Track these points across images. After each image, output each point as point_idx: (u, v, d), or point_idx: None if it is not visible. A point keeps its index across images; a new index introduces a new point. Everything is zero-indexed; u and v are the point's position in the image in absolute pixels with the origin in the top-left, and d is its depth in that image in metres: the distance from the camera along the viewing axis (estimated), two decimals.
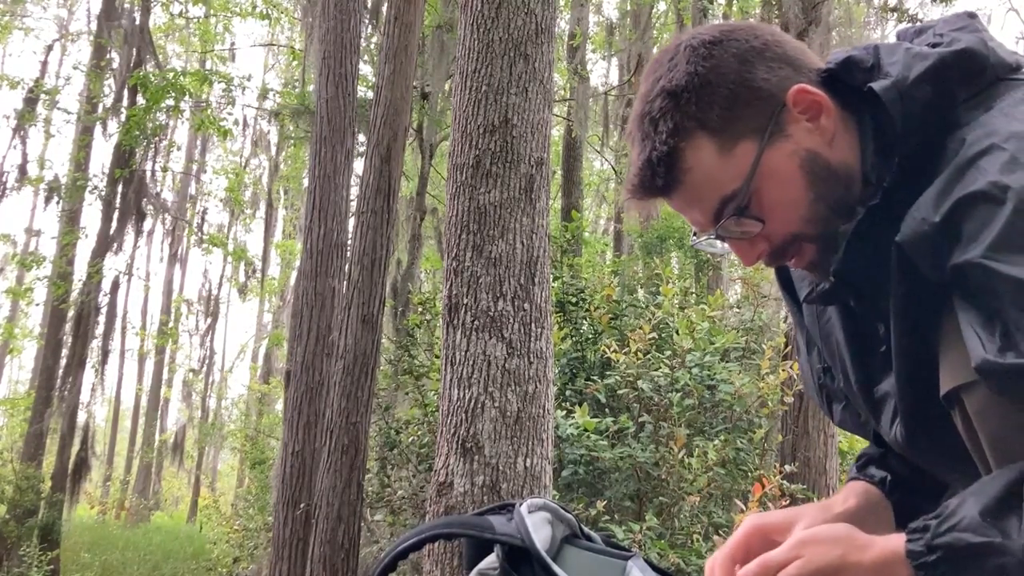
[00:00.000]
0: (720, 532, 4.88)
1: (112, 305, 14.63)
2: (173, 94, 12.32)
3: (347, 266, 7.29)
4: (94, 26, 15.14)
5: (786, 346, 6.72)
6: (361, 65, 9.25)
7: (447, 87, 10.88)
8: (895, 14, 10.38)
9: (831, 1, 9.03)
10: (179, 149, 20.60)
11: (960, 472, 1.02)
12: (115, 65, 14.11)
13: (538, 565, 0.87)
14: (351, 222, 7.76)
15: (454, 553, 3.23)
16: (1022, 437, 0.84)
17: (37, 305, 20.05)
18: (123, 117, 13.06)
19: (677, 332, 5.62)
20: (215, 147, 25.02)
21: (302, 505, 6.72)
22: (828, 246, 0.99)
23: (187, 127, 19.94)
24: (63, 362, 13.34)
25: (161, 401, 26.66)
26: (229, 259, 22.58)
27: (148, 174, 14.02)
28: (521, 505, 0.93)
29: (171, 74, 12.85)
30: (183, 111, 13.71)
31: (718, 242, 1.05)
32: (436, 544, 3.29)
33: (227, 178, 21.33)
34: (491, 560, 0.90)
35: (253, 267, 22.72)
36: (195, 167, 22.44)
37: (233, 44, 21.27)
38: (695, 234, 1.07)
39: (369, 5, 11.13)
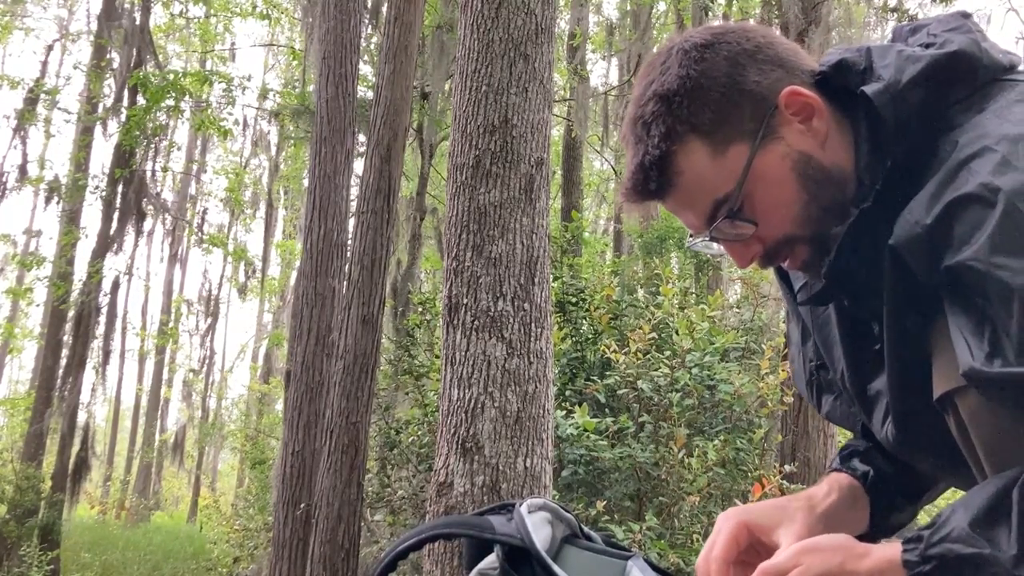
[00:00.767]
0: None
1: (112, 305, 14.63)
2: (173, 94, 12.32)
3: (347, 266, 7.29)
4: (94, 26, 15.14)
5: (786, 346, 6.71)
6: (361, 65, 9.25)
7: (447, 87, 10.88)
8: (895, 14, 10.38)
9: (831, 1, 9.03)
10: (179, 149, 20.59)
11: (950, 472, 1.03)
12: (115, 65, 14.10)
13: (538, 565, 0.87)
14: (351, 222, 7.76)
15: (454, 553, 3.24)
16: (1013, 442, 0.84)
17: (37, 305, 20.07)
18: (123, 117, 13.05)
19: (677, 332, 5.62)
20: (215, 147, 25.04)
21: (302, 505, 6.72)
22: (821, 247, 0.99)
23: (187, 127, 19.93)
24: (63, 362, 13.34)
25: (161, 401, 26.67)
26: (229, 259, 22.58)
27: (148, 174, 14.02)
28: (521, 505, 0.93)
29: (171, 74, 12.86)
30: (183, 111, 13.71)
31: (713, 244, 1.05)
32: (436, 544, 3.29)
33: (227, 178, 21.35)
34: (491, 560, 0.90)
35: (253, 267, 22.73)
36: (195, 167, 22.44)
37: (233, 44, 21.28)
38: (691, 235, 1.08)
39: (369, 5, 11.13)
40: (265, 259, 23.34)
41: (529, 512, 0.92)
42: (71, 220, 14.34)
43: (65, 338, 13.43)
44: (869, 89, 0.94)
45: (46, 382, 13.65)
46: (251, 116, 20.18)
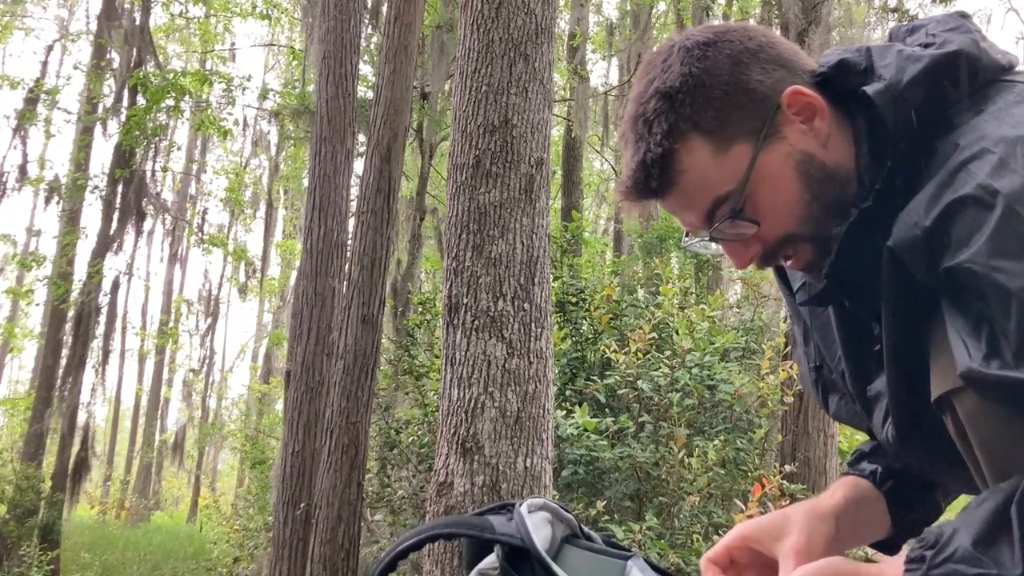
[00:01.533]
0: (720, 532, 4.88)
1: (112, 305, 14.63)
2: (173, 94, 12.32)
3: (347, 266, 7.29)
4: (94, 26, 15.15)
5: (786, 346, 6.72)
6: (361, 65, 9.25)
7: (447, 87, 10.88)
8: (895, 14, 10.38)
9: (831, 1, 9.02)
10: (179, 149, 20.61)
11: (950, 474, 1.03)
12: (115, 65, 14.10)
13: (538, 565, 0.87)
14: (351, 222, 7.76)
15: (454, 553, 3.23)
16: (1010, 443, 0.84)
17: (37, 305, 20.04)
18: (123, 117, 13.06)
19: (677, 332, 5.62)
20: (215, 147, 25.03)
21: (302, 505, 6.72)
22: (823, 247, 0.99)
23: (187, 127, 19.92)
24: (63, 362, 13.33)
25: (161, 401, 26.66)
26: (229, 259, 22.58)
27: (148, 174, 14.02)
28: (521, 505, 0.93)
29: (171, 74, 12.86)
30: (183, 111, 13.71)
31: (711, 244, 1.05)
32: (436, 544, 3.29)
33: (227, 178, 21.35)
34: (491, 560, 0.90)
35: (253, 267, 22.73)
36: (195, 167, 22.44)
37: (233, 44, 21.27)
38: (687, 235, 1.07)
39: (369, 5, 11.13)
40: (265, 259, 23.34)
41: (529, 512, 0.92)
42: (71, 220, 14.34)
43: (65, 338, 13.43)
44: (870, 89, 0.94)
45: (46, 382, 13.65)
46: (251, 116, 20.20)
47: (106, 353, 14.81)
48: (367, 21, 11.10)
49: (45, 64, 19.45)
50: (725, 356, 5.87)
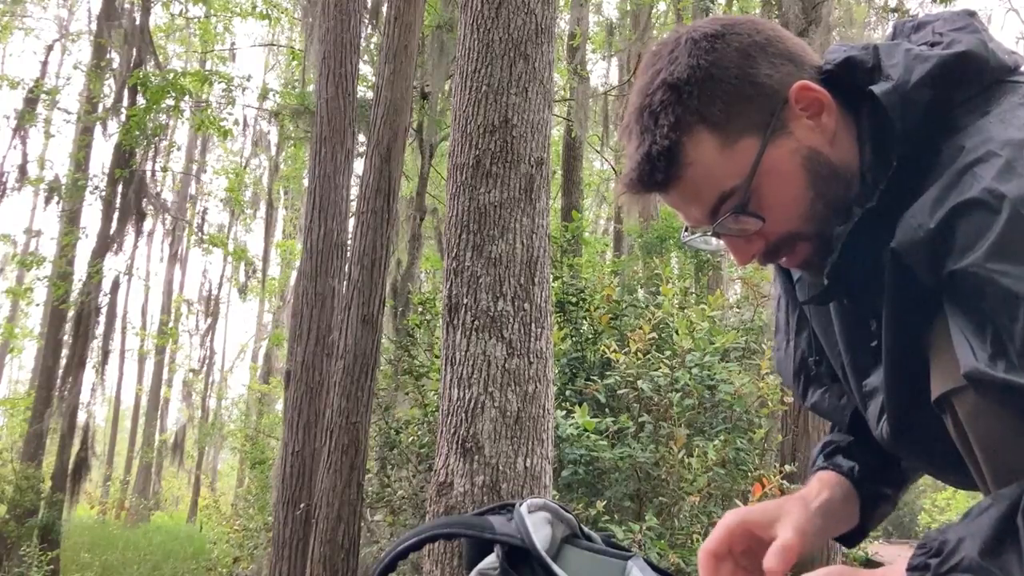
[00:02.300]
0: None
1: (112, 305, 14.63)
2: (173, 94, 12.33)
3: (347, 266, 7.29)
4: (94, 26, 15.13)
5: None
6: (361, 65, 9.25)
7: (447, 87, 10.88)
8: (895, 14, 10.38)
9: (831, 1, 9.03)
10: (179, 149, 20.62)
11: (944, 471, 1.04)
12: (115, 65, 14.11)
13: (538, 565, 0.87)
14: (351, 222, 7.76)
15: (454, 553, 3.23)
16: (1011, 444, 0.84)
17: (37, 305, 20.06)
18: (123, 117, 13.06)
19: (677, 332, 5.62)
20: (215, 147, 25.04)
21: (302, 505, 6.72)
22: (824, 245, 0.99)
23: (187, 127, 19.93)
24: (63, 362, 13.34)
25: (161, 401, 26.67)
26: (229, 259, 22.59)
27: (148, 174, 14.03)
28: (521, 505, 0.93)
29: (171, 74, 12.86)
30: (183, 111, 13.71)
31: (712, 239, 1.04)
32: (436, 544, 3.29)
33: (227, 178, 21.34)
34: (491, 560, 0.90)
35: (253, 267, 22.71)
36: (195, 167, 22.45)
37: (233, 44, 21.29)
38: (687, 230, 1.06)
39: (369, 5, 11.13)
40: (265, 259, 23.35)
41: (529, 512, 0.92)
42: (71, 220, 14.34)
43: (65, 338, 13.43)
44: (878, 89, 0.93)
45: (46, 382, 13.65)
46: (251, 116, 20.20)
47: (106, 353, 14.81)
48: (367, 21, 11.10)
49: (45, 64, 19.50)
50: (725, 356, 5.87)
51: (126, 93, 13.40)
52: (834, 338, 1.10)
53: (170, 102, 12.50)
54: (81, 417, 14.14)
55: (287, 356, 8.59)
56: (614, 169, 17.30)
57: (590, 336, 6.15)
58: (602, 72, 22.90)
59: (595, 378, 5.60)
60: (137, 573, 13.07)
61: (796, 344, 1.19)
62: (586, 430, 4.92)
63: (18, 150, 15.92)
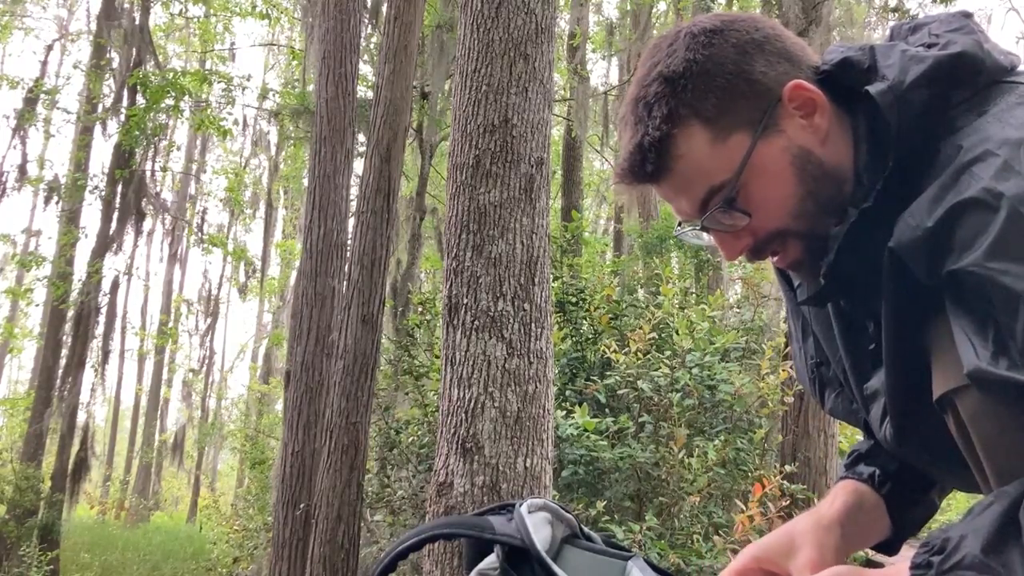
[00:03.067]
0: (720, 532, 4.88)
1: (112, 305, 14.63)
2: (173, 94, 12.33)
3: (347, 266, 7.28)
4: (94, 26, 15.14)
5: (786, 346, 6.70)
6: (361, 65, 9.25)
7: (447, 87, 10.88)
8: (895, 14, 10.38)
9: (831, 1, 9.03)
10: (179, 149, 20.62)
11: (948, 472, 1.03)
12: (115, 65, 14.11)
13: (538, 565, 0.87)
14: (351, 222, 7.76)
15: (454, 553, 3.23)
16: (1012, 444, 0.83)
17: (37, 305, 20.04)
18: (123, 117, 13.06)
19: (677, 332, 5.62)
20: (215, 147, 25.05)
21: (302, 505, 6.72)
22: (814, 245, 0.99)
23: (187, 127, 19.92)
24: (63, 362, 13.34)
25: (161, 401, 26.67)
26: (229, 259, 22.59)
27: (148, 174, 14.03)
28: (521, 505, 0.93)
29: (171, 74, 12.86)
30: (183, 111, 13.70)
31: (703, 233, 1.04)
32: (436, 544, 3.28)
33: (227, 178, 21.34)
34: (491, 560, 0.90)
35: (253, 267, 22.73)
36: (195, 167, 22.44)
37: (233, 44, 21.29)
38: (680, 224, 1.07)
39: (369, 5, 11.13)
40: (265, 259, 23.35)
41: (529, 512, 0.92)
42: (71, 220, 14.34)
43: (65, 338, 13.43)
44: (873, 89, 0.93)
45: (46, 382, 13.65)
46: (251, 116, 20.21)
47: (106, 353, 14.81)
48: (367, 21, 11.10)
49: (45, 64, 19.46)
50: (725, 356, 5.87)
51: (126, 93, 13.40)
52: (835, 342, 1.10)
53: (170, 102, 12.50)
54: (81, 417, 14.15)
55: (287, 356, 8.60)
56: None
57: (590, 336, 6.14)
58: (602, 72, 22.95)
59: (595, 378, 5.60)
60: (137, 573, 13.07)
61: (805, 350, 1.20)
62: (586, 430, 4.91)
63: (18, 150, 15.94)
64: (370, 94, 9.46)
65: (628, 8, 15.59)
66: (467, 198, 3.57)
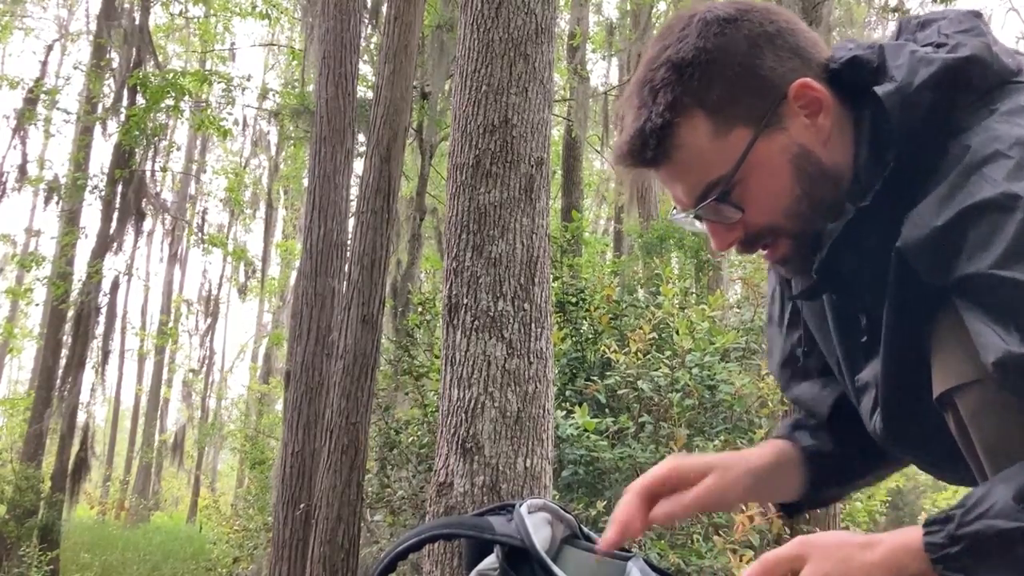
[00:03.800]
0: (720, 532, 4.88)
1: (112, 305, 14.62)
2: (173, 94, 12.32)
3: (347, 266, 7.28)
4: (94, 26, 15.13)
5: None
6: (361, 65, 9.25)
7: (447, 87, 10.88)
8: (895, 14, 10.38)
9: (831, 1, 9.02)
10: (179, 149, 20.61)
11: (935, 467, 1.05)
12: (115, 65, 14.10)
13: (538, 566, 0.87)
14: (351, 222, 7.75)
15: (454, 553, 3.23)
16: (1018, 439, 0.83)
17: (37, 305, 20.05)
18: (123, 117, 13.06)
19: (677, 332, 5.61)
20: (215, 147, 25.05)
21: (302, 505, 6.72)
22: (804, 243, 0.99)
23: (187, 127, 19.92)
24: (63, 362, 13.33)
25: (161, 401, 26.67)
26: (229, 259, 22.58)
27: (148, 174, 14.03)
28: (521, 505, 0.93)
29: (171, 74, 12.86)
30: (183, 111, 13.70)
31: (697, 221, 1.04)
32: (436, 544, 3.28)
33: (227, 178, 21.33)
34: (491, 561, 0.90)
35: (253, 267, 22.73)
36: (195, 167, 22.44)
37: (233, 44, 21.29)
38: (675, 209, 1.07)
39: (369, 5, 11.13)
40: (265, 259, 23.35)
41: (529, 512, 0.92)
42: (71, 220, 14.34)
43: (65, 338, 13.42)
44: (881, 90, 0.93)
45: (46, 382, 13.65)
46: (251, 116, 20.21)
47: (106, 353, 14.81)
48: (367, 21, 11.10)
49: (45, 64, 19.44)
50: (725, 356, 5.87)
51: (126, 93, 13.40)
52: (828, 332, 1.10)
53: (170, 102, 12.49)
54: (81, 417, 14.16)
55: (287, 356, 8.60)
56: (614, 170, 17.28)
57: (590, 336, 6.14)
58: (602, 72, 22.94)
59: (595, 378, 5.59)
60: (137, 573, 13.07)
61: (787, 337, 1.20)
62: (586, 430, 4.91)
63: (18, 150, 15.92)
64: (370, 94, 9.45)
65: (628, 8, 15.59)
66: (467, 198, 3.57)
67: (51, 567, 11.28)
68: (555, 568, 0.87)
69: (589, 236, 15.42)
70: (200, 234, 19.17)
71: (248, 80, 15.85)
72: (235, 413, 25.44)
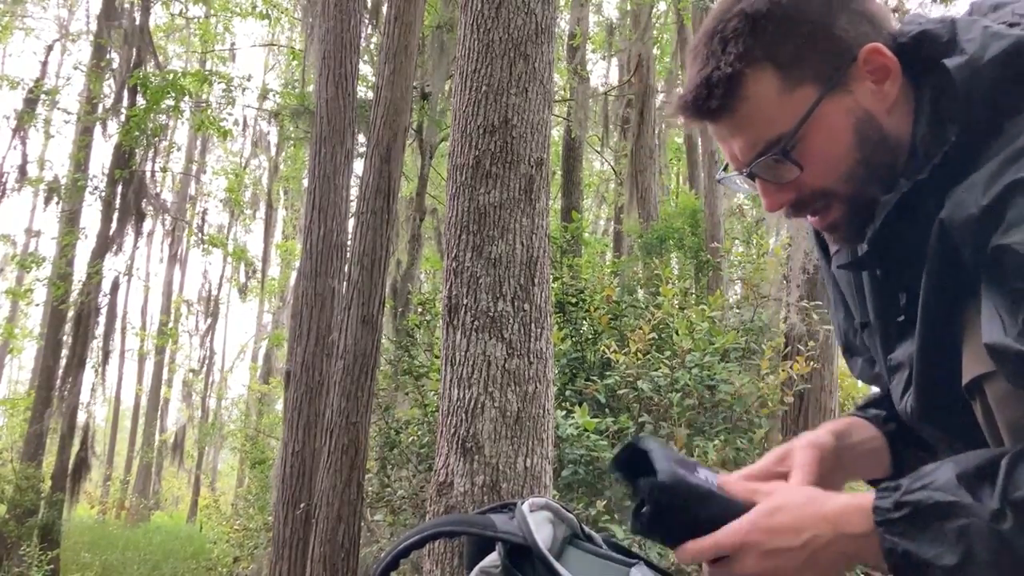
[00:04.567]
0: None
1: (112, 305, 14.63)
2: (173, 94, 12.32)
3: (347, 266, 7.29)
4: (94, 26, 15.14)
5: (786, 346, 6.71)
6: (361, 65, 9.25)
7: (447, 87, 10.88)
8: (896, 14, 10.37)
9: None
10: (179, 149, 20.59)
11: (964, 451, 1.04)
12: (115, 65, 14.10)
13: (540, 563, 0.87)
14: (351, 222, 7.76)
15: (454, 552, 3.24)
16: None
17: (37, 305, 20.05)
18: (123, 117, 13.06)
19: (677, 332, 5.62)
20: (215, 147, 25.02)
21: (302, 505, 6.72)
22: (857, 210, 0.98)
23: (187, 127, 19.92)
24: (63, 362, 13.33)
25: (161, 401, 26.66)
26: (229, 259, 22.59)
27: (148, 174, 14.02)
28: (523, 504, 0.93)
29: (171, 74, 12.87)
30: (183, 111, 13.70)
31: (745, 184, 1.03)
32: (437, 543, 3.29)
33: (227, 178, 21.34)
34: (493, 558, 0.90)
35: (253, 267, 22.73)
36: (195, 167, 22.44)
37: (233, 44, 21.28)
38: (725, 168, 1.05)
39: (369, 5, 11.13)
40: (265, 259, 23.35)
41: (531, 511, 0.93)
42: (71, 220, 14.33)
43: (65, 338, 13.42)
44: (951, 63, 0.92)
45: (46, 382, 13.64)
46: (251, 116, 20.20)
47: (106, 353, 14.81)
48: (367, 21, 11.10)
49: (45, 64, 19.46)
50: (725, 356, 5.87)
51: (126, 93, 13.40)
52: (865, 308, 1.10)
53: (170, 102, 12.50)
54: (81, 417, 14.14)
55: (287, 356, 8.60)
56: (614, 169, 17.29)
57: (590, 336, 6.14)
58: (602, 72, 22.93)
59: (595, 378, 5.60)
60: (137, 573, 13.07)
61: (836, 317, 1.20)
62: (586, 430, 4.92)
63: (18, 150, 15.92)
64: (370, 94, 9.46)
65: (628, 8, 15.58)
66: (467, 199, 3.57)
67: (51, 566, 11.28)
68: (557, 566, 0.88)
69: (589, 236, 15.43)
70: (200, 234, 19.17)
71: (248, 80, 15.86)
72: (235, 413, 25.43)
